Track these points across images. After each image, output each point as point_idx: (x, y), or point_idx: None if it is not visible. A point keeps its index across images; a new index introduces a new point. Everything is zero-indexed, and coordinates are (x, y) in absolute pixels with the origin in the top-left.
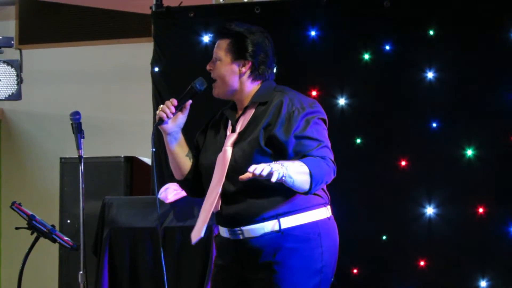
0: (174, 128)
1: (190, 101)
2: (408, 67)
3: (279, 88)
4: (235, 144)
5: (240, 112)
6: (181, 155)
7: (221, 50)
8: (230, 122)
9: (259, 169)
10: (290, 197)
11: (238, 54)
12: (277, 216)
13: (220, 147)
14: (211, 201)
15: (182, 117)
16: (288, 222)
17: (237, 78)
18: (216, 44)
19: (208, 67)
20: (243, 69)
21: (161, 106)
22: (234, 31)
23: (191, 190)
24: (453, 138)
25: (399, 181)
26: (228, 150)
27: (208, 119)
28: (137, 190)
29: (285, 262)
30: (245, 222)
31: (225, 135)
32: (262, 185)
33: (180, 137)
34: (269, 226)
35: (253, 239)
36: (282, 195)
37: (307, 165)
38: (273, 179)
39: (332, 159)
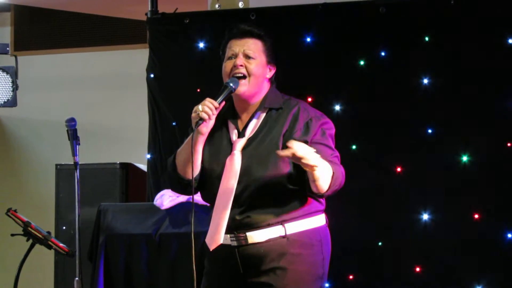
0: (208, 129)
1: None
2: (403, 72)
3: (287, 97)
4: (243, 149)
5: (247, 117)
6: (199, 156)
7: (256, 51)
8: (233, 126)
9: (301, 149)
10: (294, 203)
11: (270, 58)
12: (282, 222)
13: (226, 151)
14: (225, 206)
15: (214, 118)
16: (292, 228)
17: (264, 81)
18: (242, 42)
19: (239, 62)
20: (270, 73)
21: (200, 107)
22: (264, 34)
23: (190, 188)
24: (449, 144)
25: (394, 187)
26: (238, 154)
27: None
28: (133, 197)
29: (290, 267)
30: (251, 227)
31: (229, 139)
32: (269, 190)
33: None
34: (275, 231)
35: (258, 245)
36: (287, 201)
37: (332, 167)
38: (312, 163)
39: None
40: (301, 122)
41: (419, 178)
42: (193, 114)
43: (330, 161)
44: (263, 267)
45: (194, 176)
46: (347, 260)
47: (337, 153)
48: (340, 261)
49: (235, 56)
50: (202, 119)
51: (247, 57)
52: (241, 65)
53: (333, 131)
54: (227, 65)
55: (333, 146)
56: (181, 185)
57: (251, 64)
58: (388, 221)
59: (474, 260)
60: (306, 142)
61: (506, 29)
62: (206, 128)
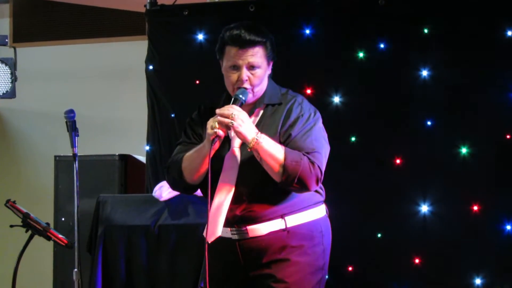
0: (220, 142)
1: None
2: (402, 65)
3: (284, 90)
4: (242, 145)
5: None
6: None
7: (259, 58)
8: None
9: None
10: (294, 196)
11: (271, 57)
12: (282, 215)
13: (225, 147)
14: (224, 200)
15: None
16: (293, 220)
17: (267, 79)
18: (245, 54)
19: (245, 76)
20: (269, 69)
21: (217, 124)
22: (265, 37)
23: (192, 190)
24: (448, 136)
25: (394, 179)
26: (236, 151)
27: (190, 119)
28: (132, 188)
29: (292, 259)
30: (251, 221)
31: (227, 136)
32: (268, 185)
33: None
34: (275, 225)
35: (259, 238)
36: (287, 194)
37: (285, 154)
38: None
39: (322, 168)
40: (292, 117)
41: (418, 170)
42: (209, 131)
43: (298, 153)
44: (266, 259)
45: (199, 181)
46: (346, 251)
47: (320, 152)
48: (339, 253)
49: (238, 68)
50: (218, 136)
51: (251, 67)
52: (246, 80)
53: (319, 126)
54: (231, 76)
55: (320, 142)
56: (185, 189)
57: (255, 74)
58: (387, 212)
59: (474, 251)
60: (290, 135)
61: (506, 21)
62: (219, 142)
